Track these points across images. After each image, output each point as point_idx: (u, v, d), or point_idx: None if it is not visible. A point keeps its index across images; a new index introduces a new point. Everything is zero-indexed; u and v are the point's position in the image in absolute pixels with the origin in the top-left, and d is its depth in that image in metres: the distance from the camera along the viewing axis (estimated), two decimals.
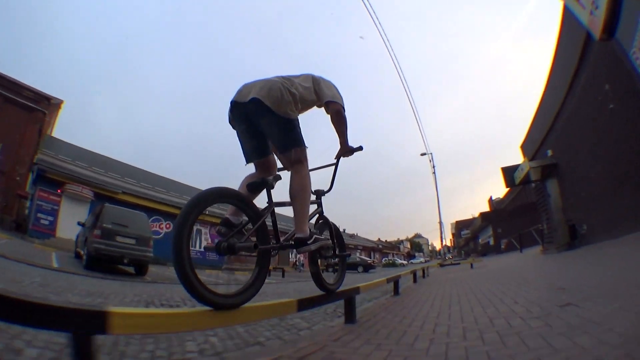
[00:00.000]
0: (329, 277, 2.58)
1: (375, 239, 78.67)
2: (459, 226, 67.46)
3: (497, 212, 29.82)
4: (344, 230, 58.46)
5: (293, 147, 1.97)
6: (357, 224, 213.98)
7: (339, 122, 2.22)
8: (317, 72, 2.35)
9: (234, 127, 2.09)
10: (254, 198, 2.02)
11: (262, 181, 1.94)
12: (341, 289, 2.57)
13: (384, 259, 53.12)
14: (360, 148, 2.39)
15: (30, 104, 16.12)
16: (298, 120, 2.03)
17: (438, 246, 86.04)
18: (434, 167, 23.82)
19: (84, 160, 20.19)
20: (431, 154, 23.74)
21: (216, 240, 1.76)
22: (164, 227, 19.69)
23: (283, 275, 16.45)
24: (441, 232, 22.08)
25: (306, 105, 2.15)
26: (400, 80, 20.64)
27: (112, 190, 17.68)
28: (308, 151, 2.06)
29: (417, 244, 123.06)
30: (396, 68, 18.84)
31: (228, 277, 10.10)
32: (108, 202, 11.01)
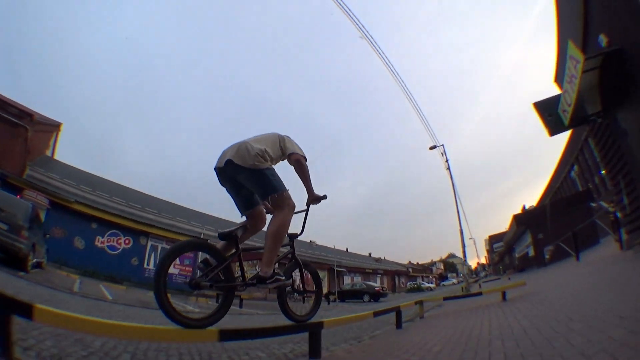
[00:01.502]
0: (303, 309, 2.92)
1: (405, 261, 77.87)
2: (492, 240, 59.50)
3: (536, 212, 22.84)
4: (370, 254, 62.90)
5: (270, 193, 2.37)
6: (389, 247, 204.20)
7: (301, 170, 2.60)
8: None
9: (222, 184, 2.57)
10: (227, 244, 2.46)
11: (228, 233, 2.38)
12: (312, 319, 2.81)
13: (408, 283, 48.18)
14: (324, 197, 2.78)
15: (14, 119, 16.60)
16: (272, 169, 2.47)
17: (473, 264, 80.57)
18: (447, 160, 18.57)
19: (73, 179, 19.83)
20: (442, 145, 18.72)
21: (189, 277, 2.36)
22: (122, 243, 17.38)
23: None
24: (463, 243, 16.95)
25: (274, 159, 2.54)
26: (409, 99, 17.74)
27: (66, 198, 16.29)
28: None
29: (450, 265, 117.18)
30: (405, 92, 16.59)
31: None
32: (61, 211, 13.61)
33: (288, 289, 2.76)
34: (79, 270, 13.58)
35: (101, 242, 16.60)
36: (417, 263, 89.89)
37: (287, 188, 2.45)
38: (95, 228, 16.48)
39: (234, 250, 2.42)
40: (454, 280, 58.29)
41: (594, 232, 16.75)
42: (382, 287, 24.99)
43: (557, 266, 15.42)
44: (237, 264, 2.43)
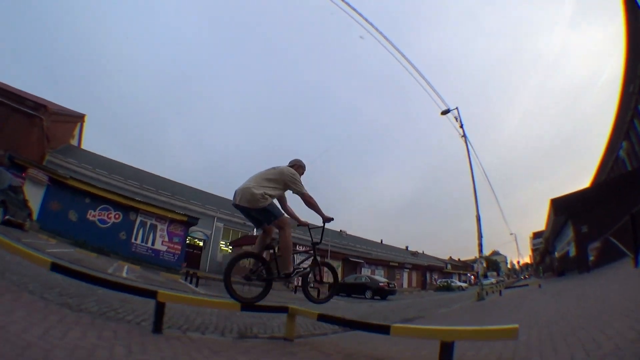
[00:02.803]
0: (321, 294, 4.30)
1: (446, 257, 76.71)
2: (536, 237, 53.29)
3: (580, 197, 17.61)
4: (407, 247, 64.36)
5: (272, 220, 3.60)
6: (433, 241, 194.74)
7: (310, 204, 3.72)
8: None
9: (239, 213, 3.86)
10: (267, 251, 3.90)
11: (269, 244, 3.88)
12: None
13: (439, 280, 43.51)
14: (332, 219, 3.92)
15: (30, 111, 18.65)
16: (272, 203, 3.59)
17: (518, 262, 74.68)
18: (462, 125, 14.47)
19: (92, 164, 24.13)
20: (456, 108, 14.53)
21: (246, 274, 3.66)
22: (112, 217, 18.29)
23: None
24: (479, 234, 13.06)
25: (274, 196, 3.69)
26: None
27: (63, 175, 17.92)
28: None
29: (493, 262, 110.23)
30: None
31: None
32: (58, 187, 16.71)
33: (310, 277, 4.05)
34: (70, 240, 14.86)
35: (92, 215, 17.56)
36: (458, 259, 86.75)
37: (283, 213, 3.73)
38: (88, 202, 17.58)
39: (269, 255, 3.90)
40: (493, 280, 51.49)
41: None
42: (390, 283, 21.06)
43: (603, 272, 11.28)
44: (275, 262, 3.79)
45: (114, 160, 29.84)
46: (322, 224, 3.92)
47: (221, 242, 29.76)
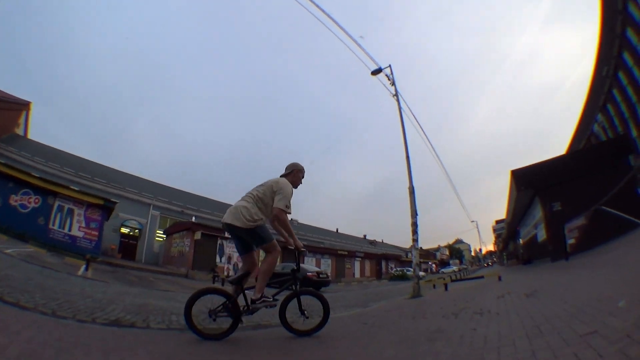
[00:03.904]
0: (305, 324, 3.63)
1: (408, 245, 74.46)
2: (498, 224, 51.89)
3: (551, 166, 14.19)
4: (365, 236, 65.57)
5: (260, 244, 3.41)
6: (399, 230, 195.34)
7: (279, 223, 3.51)
8: None
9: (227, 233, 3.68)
10: (236, 287, 3.41)
11: (236, 279, 3.38)
12: None
13: (395, 269, 41.85)
14: (304, 250, 3.86)
15: None
16: (262, 226, 3.40)
17: (480, 250, 75.74)
18: (393, 83, 11.23)
19: (30, 152, 23.32)
20: (389, 66, 11.39)
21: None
22: (32, 202, 17.18)
23: None
24: (414, 211, 9.78)
25: (266, 216, 3.51)
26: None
27: None
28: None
29: (456, 250, 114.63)
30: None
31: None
32: None
33: (296, 309, 3.60)
34: None
35: (15, 200, 16.76)
36: (421, 247, 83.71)
37: (274, 238, 3.45)
38: (11, 187, 16.74)
39: (239, 290, 3.40)
40: (455, 268, 53.37)
41: (637, 208, 9.92)
42: (321, 273, 17.71)
43: (594, 257, 7.67)
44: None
45: (59, 150, 28.97)
46: (295, 253, 3.81)
47: (157, 231, 28.09)
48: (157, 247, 27.73)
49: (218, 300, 3.32)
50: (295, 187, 3.75)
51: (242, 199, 3.46)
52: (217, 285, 5.54)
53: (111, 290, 6.98)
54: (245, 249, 3.52)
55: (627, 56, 17.70)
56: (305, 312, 3.59)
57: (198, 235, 22.69)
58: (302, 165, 3.85)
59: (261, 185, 3.55)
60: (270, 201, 3.42)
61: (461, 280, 12.22)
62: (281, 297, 3.58)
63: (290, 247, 3.74)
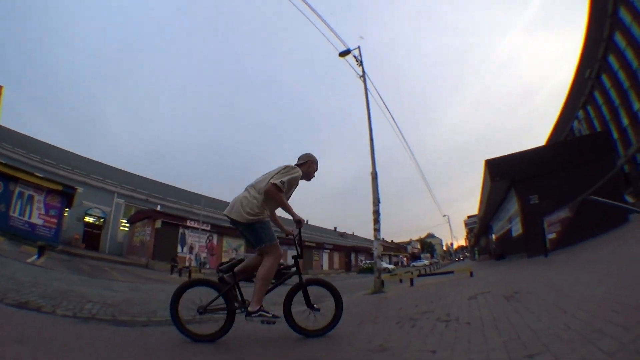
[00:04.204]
0: (314, 321, 3.08)
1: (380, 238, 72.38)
2: (470, 219, 52.20)
3: (528, 157, 13.36)
4: (335, 228, 63.40)
5: (259, 245, 2.96)
6: (367, 224, 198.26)
7: (274, 197, 2.96)
8: None
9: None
10: (229, 276, 3.00)
11: (227, 268, 2.97)
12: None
13: (364, 262, 41.77)
14: (303, 223, 3.13)
15: None
16: (263, 222, 2.97)
17: (452, 244, 77.17)
18: (361, 64, 10.67)
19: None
20: (358, 47, 10.95)
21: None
22: None
23: None
24: (376, 198, 9.08)
25: (267, 210, 3.08)
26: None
27: None
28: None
29: (428, 244, 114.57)
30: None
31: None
32: None
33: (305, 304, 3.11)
34: None
35: None
36: (392, 241, 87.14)
37: (275, 239, 2.98)
38: None
39: (231, 281, 2.96)
40: (426, 262, 52.67)
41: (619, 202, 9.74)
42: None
43: (575, 258, 6.77)
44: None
45: (27, 136, 27.72)
46: (293, 231, 3.33)
47: (122, 220, 27.12)
48: (121, 236, 26.71)
49: (207, 293, 2.91)
50: (309, 179, 3.44)
51: (245, 189, 3.13)
52: (203, 276, 4.04)
53: (48, 276, 6.76)
54: (251, 244, 3.09)
55: (612, 59, 17.63)
56: (315, 305, 3.12)
57: (158, 224, 22.12)
58: (316, 157, 3.49)
59: (275, 170, 3.17)
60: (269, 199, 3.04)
61: (430, 275, 11.35)
62: (277, 304, 3.20)
63: (289, 236, 3.37)
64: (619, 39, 16.53)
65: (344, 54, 10.49)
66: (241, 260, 3.07)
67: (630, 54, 15.91)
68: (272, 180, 2.94)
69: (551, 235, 9.80)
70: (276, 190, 2.92)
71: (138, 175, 33.99)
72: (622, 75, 17.26)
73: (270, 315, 2.83)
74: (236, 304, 2.90)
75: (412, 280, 9.20)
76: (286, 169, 3.11)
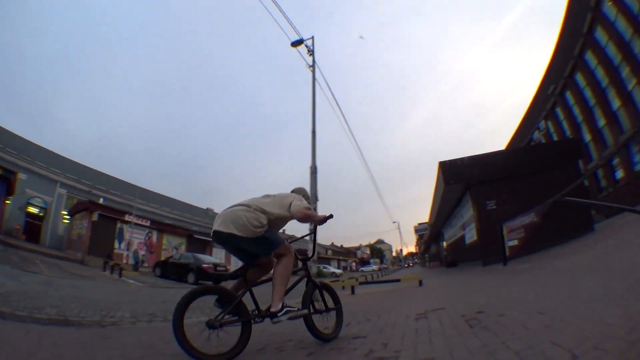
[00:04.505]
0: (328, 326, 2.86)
1: (328, 243, 75.14)
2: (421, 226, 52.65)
3: (486, 161, 12.24)
4: (284, 230, 59.84)
5: (272, 250, 2.60)
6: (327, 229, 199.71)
7: (307, 219, 2.71)
8: None
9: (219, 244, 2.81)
10: (239, 282, 2.67)
11: (236, 273, 2.60)
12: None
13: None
14: (330, 216, 2.76)
15: None
16: (271, 230, 2.63)
17: (401, 250, 78.10)
18: (312, 54, 10.32)
19: None
20: (312, 37, 10.52)
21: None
22: None
23: None
24: (314, 186, 7.65)
25: (274, 223, 2.68)
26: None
27: None
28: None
29: (378, 250, 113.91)
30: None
31: None
32: None
33: (314, 308, 2.86)
34: None
35: None
36: (341, 245, 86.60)
37: (284, 239, 2.73)
38: None
39: (242, 287, 2.59)
40: (375, 267, 53.54)
41: (584, 213, 10.08)
42: (219, 265, 15.99)
43: (540, 266, 5.77)
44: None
45: None
46: (314, 228, 3.26)
47: (63, 211, 24.83)
48: (62, 229, 24.63)
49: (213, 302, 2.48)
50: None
51: (241, 203, 2.70)
52: (211, 284, 2.42)
53: None
54: (251, 259, 2.70)
55: (579, 77, 17.47)
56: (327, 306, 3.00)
57: (95, 217, 20.70)
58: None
59: (266, 196, 2.89)
60: (286, 207, 2.73)
61: (374, 283, 10.02)
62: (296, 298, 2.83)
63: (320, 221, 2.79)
64: (590, 58, 16.47)
65: (296, 43, 10.14)
66: (253, 265, 2.73)
67: (600, 73, 15.90)
68: (303, 205, 2.71)
69: (512, 242, 8.78)
70: (308, 212, 2.70)
71: (83, 165, 30.97)
72: (588, 93, 17.24)
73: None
74: (252, 312, 2.52)
75: (353, 289, 7.94)
76: (299, 195, 2.95)
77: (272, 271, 2.64)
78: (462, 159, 12.44)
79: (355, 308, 4.83)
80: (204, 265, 14.87)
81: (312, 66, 10.13)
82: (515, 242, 8.61)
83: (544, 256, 8.02)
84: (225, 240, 2.54)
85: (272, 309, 2.43)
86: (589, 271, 4.42)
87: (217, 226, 2.52)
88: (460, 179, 12.23)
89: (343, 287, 9.28)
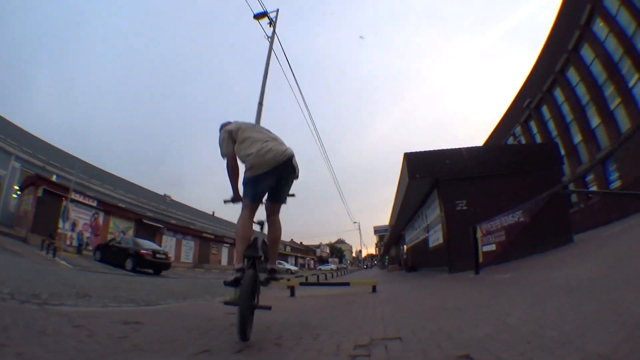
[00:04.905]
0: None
1: (288, 239, 74.15)
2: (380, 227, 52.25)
3: (456, 156, 10.80)
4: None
5: (285, 199, 2.64)
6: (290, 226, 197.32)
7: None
8: None
9: (257, 182, 2.41)
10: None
11: (252, 255, 2.31)
12: None
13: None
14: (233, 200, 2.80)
15: None
16: None
17: (364, 252, 77.97)
18: (273, 25, 9.43)
19: None
20: (277, 10, 9.65)
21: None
22: None
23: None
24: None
25: None
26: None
27: None
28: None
29: (337, 250, 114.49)
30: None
31: None
32: None
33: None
34: None
35: None
36: (301, 243, 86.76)
37: None
38: None
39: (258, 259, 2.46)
40: (333, 266, 52.97)
41: (564, 222, 9.45)
42: (158, 252, 14.65)
43: (523, 278, 4.90)
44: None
45: None
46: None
47: (16, 187, 23.03)
48: (14, 205, 23.13)
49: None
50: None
51: (271, 138, 2.55)
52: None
53: None
54: (279, 199, 2.65)
55: (558, 93, 17.01)
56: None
57: (40, 192, 19.37)
58: None
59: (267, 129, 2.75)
60: None
61: (319, 285, 8.64)
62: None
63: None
64: (572, 75, 16.02)
65: (259, 16, 9.45)
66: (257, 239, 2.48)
67: (582, 90, 15.41)
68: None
69: (489, 247, 7.49)
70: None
71: (40, 139, 28.38)
72: (566, 108, 16.81)
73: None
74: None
75: (293, 290, 6.66)
76: None
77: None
78: (431, 152, 11.15)
79: (279, 318, 3.28)
80: (142, 251, 13.76)
81: (271, 37, 9.41)
82: (493, 247, 7.36)
83: (521, 265, 6.86)
84: (286, 172, 2.43)
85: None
86: (586, 289, 3.06)
87: (283, 156, 2.36)
88: (428, 173, 10.83)
89: (288, 287, 7.81)
